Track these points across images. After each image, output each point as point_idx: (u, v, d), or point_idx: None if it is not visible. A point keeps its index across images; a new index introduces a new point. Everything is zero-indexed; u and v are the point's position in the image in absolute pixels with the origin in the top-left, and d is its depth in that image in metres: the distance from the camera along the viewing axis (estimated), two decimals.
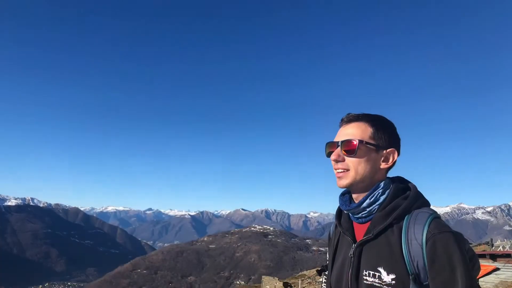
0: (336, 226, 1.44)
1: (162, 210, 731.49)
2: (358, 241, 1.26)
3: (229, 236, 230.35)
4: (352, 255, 1.26)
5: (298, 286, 25.69)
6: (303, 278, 30.41)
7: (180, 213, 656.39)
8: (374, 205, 1.24)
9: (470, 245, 1.22)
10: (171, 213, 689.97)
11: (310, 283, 28.19)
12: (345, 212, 1.36)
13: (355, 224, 1.32)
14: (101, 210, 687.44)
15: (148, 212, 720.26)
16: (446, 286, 1.10)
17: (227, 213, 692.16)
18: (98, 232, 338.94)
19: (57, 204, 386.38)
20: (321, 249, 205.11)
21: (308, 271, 44.35)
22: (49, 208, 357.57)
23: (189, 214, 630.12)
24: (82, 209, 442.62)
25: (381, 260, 1.18)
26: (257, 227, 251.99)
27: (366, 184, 1.25)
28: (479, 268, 1.24)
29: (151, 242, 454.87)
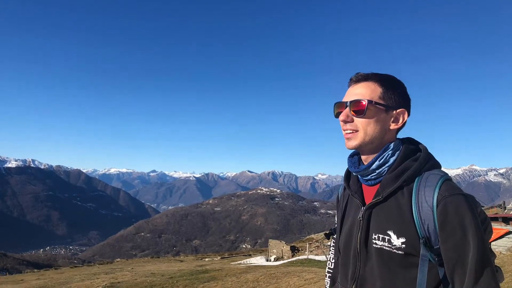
0: (344, 189, 1.48)
1: (166, 172, 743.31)
2: (367, 203, 1.29)
3: (235, 199, 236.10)
4: (361, 218, 1.29)
5: (306, 250, 26.44)
6: (310, 242, 31.26)
7: (185, 175, 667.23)
8: (383, 167, 1.27)
9: (482, 208, 1.24)
10: (176, 175, 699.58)
11: (318, 246, 29.07)
12: (354, 174, 1.39)
13: (364, 187, 1.36)
14: (103, 172, 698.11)
15: (152, 174, 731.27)
16: (458, 249, 1.12)
17: (233, 175, 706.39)
18: (101, 194, 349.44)
19: (58, 166, 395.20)
20: (329, 212, 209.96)
21: (316, 234, 45.67)
22: (50, 170, 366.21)
23: (194, 176, 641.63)
24: (84, 171, 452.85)
25: (391, 223, 1.21)
26: (264, 189, 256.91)
27: (375, 145, 1.28)
28: (491, 231, 1.25)
29: (155, 205, 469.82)
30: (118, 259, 44.73)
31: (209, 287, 12.61)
